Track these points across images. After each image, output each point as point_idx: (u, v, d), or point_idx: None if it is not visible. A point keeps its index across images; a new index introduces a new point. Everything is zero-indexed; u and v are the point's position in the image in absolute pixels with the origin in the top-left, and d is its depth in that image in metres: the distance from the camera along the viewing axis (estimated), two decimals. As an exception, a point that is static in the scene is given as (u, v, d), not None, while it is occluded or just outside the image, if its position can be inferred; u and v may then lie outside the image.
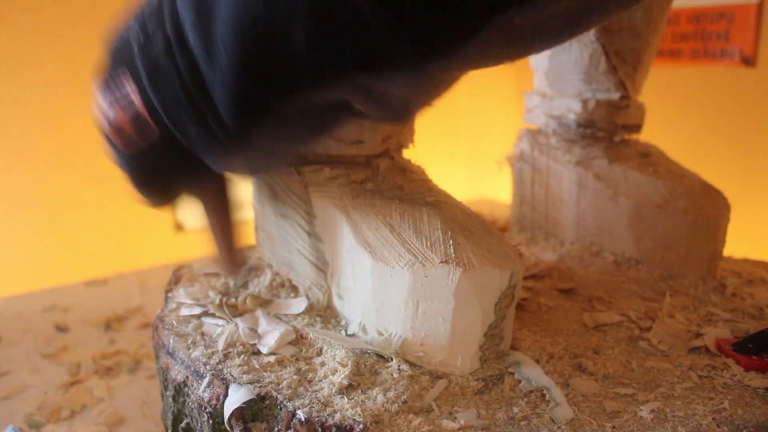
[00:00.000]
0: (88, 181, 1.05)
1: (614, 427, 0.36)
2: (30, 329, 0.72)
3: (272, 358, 0.42)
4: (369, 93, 0.30)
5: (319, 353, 0.42)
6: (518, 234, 0.70)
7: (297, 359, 0.42)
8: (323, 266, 0.47)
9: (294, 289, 0.51)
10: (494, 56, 0.31)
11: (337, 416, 0.36)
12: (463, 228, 0.42)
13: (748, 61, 0.88)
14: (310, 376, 0.40)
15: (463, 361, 0.40)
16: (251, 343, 0.44)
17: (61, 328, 0.72)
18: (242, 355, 0.42)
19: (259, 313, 0.47)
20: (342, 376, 0.39)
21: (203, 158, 0.33)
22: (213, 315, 0.48)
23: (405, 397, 0.38)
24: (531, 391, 0.39)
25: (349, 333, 0.44)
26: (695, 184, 0.59)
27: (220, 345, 0.43)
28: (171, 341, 0.45)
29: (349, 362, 0.40)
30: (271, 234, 0.53)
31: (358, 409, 0.36)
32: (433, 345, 0.40)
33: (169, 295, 0.53)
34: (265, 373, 0.40)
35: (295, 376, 0.40)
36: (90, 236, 1.08)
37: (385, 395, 0.37)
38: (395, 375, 0.39)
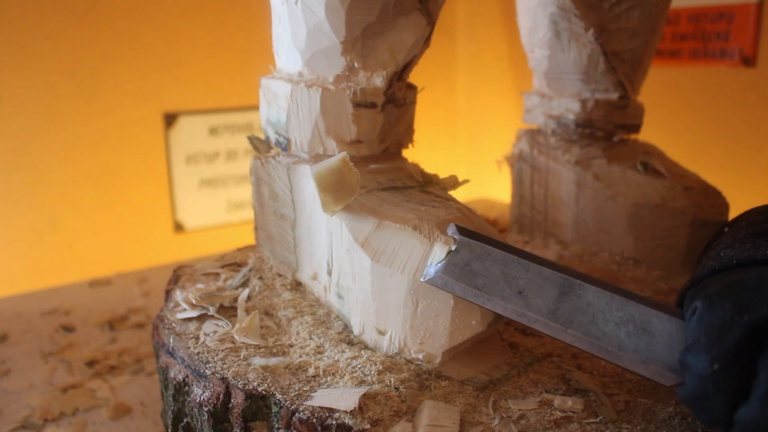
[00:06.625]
0: (87, 181, 1.05)
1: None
2: (31, 329, 0.72)
3: (272, 358, 0.42)
4: None
5: (319, 352, 0.42)
6: (517, 234, 0.70)
7: (297, 358, 0.42)
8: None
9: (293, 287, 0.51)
10: None
11: (337, 415, 0.36)
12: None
13: (748, 61, 0.89)
14: (310, 375, 0.40)
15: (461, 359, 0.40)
16: (250, 342, 0.44)
17: (67, 328, 0.72)
18: (241, 354, 0.42)
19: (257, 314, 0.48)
20: (342, 376, 0.39)
21: None
22: (212, 316, 0.48)
23: (406, 398, 0.38)
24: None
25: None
26: (694, 184, 0.60)
27: (219, 345, 0.43)
28: (171, 340, 0.45)
29: (349, 363, 0.40)
30: (270, 234, 0.53)
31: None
32: (433, 344, 0.40)
33: (169, 295, 0.53)
34: (264, 372, 0.40)
35: (295, 376, 0.40)
36: (90, 236, 1.08)
37: (385, 396, 0.38)
38: (395, 375, 0.39)
